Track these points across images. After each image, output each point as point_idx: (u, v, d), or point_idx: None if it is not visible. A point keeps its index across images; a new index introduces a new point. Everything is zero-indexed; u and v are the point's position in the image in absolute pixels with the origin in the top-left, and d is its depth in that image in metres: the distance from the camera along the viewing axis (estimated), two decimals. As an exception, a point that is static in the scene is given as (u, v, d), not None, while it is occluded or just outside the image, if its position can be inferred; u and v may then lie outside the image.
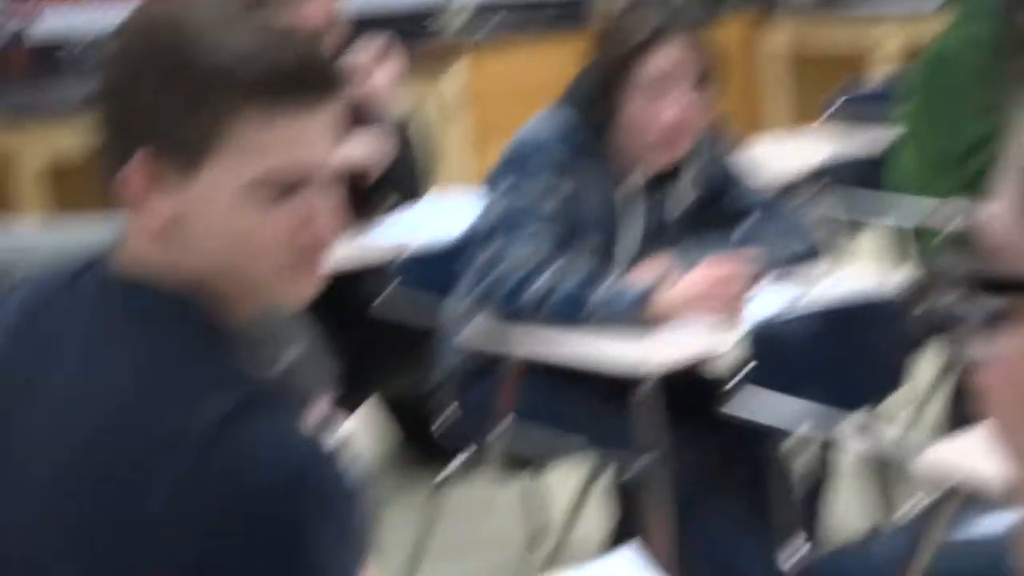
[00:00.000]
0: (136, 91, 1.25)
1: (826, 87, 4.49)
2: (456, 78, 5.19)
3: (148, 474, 1.17)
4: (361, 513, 1.26)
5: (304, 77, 1.24)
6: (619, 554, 1.47)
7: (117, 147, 1.26)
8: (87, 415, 1.22)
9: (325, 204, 1.27)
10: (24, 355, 1.32)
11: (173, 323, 1.25)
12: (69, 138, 4.10)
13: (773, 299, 2.40)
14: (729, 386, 2.24)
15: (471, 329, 2.49)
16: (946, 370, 3.39)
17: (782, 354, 2.26)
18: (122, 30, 1.30)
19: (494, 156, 2.58)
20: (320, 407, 2.22)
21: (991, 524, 2.24)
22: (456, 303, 2.64)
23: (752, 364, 2.22)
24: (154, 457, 1.17)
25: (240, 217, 1.23)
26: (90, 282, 1.29)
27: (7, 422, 1.30)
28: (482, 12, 6.01)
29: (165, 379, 1.22)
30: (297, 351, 2.28)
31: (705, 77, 2.45)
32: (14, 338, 1.33)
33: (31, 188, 4.09)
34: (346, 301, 2.97)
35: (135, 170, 1.24)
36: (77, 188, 4.20)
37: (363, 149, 3.16)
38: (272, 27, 1.28)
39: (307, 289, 1.30)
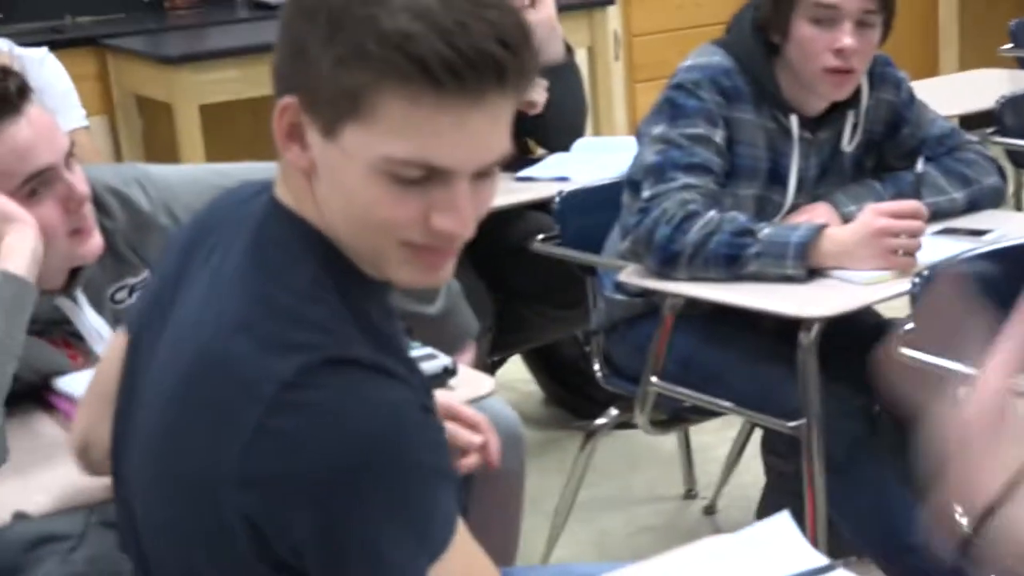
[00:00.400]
0: (300, 33, 1.20)
1: (1006, 19, 4.32)
2: (620, 14, 5.14)
3: (225, 420, 1.18)
4: (444, 496, 1.22)
5: (475, 66, 1.14)
6: (770, 522, 1.43)
7: (278, 84, 1.25)
8: (192, 343, 1.23)
9: (465, 199, 1.19)
10: (182, 266, 1.35)
11: (299, 259, 1.24)
12: (233, 80, 4.16)
13: (946, 246, 2.32)
14: (905, 330, 2.12)
15: (626, 275, 2.46)
16: None
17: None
18: None
19: (648, 100, 2.54)
20: (467, 356, 2.22)
21: None
22: (611, 249, 2.64)
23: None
24: (233, 403, 1.18)
25: (369, 190, 1.19)
26: (256, 205, 1.30)
27: (156, 332, 1.33)
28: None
29: (264, 321, 1.20)
30: (447, 295, 2.29)
31: (871, 12, 2.37)
32: (181, 250, 1.37)
33: (192, 135, 4.15)
34: (503, 241, 3.00)
35: (281, 114, 1.22)
36: (239, 129, 4.35)
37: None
38: (463, 4, 1.16)
39: (427, 276, 1.26)
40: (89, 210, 1.96)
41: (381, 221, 1.20)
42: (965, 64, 5.85)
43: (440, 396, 1.41)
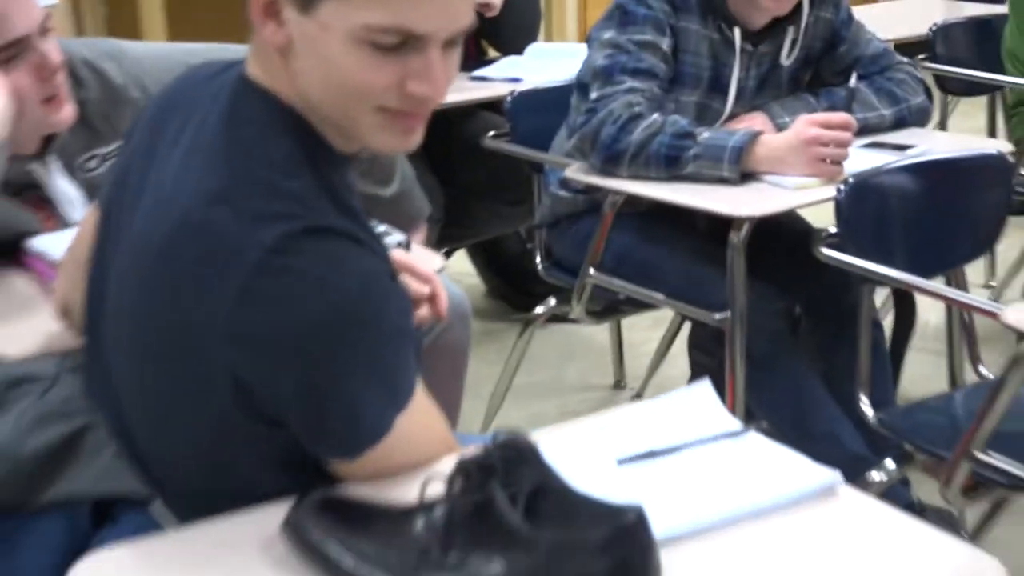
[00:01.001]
0: None
1: None
2: None
3: (209, 281, 1.21)
4: (407, 354, 1.27)
5: None
6: (691, 390, 1.47)
7: None
8: (175, 210, 1.25)
9: (435, 65, 1.22)
10: (151, 140, 1.37)
11: (274, 133, 1.26)
12: None
13: (871, 158, 2.35)
14: (827, 235, 2.20)
15: (571, 172, 2.49)
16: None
17: (877, 209, 2.22)
18: None
19: (598, 12, 2.56)
20: (419, 236, 2.28)
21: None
22: (558, 148, 2.66)
23: (848, 217, 2.18)
24: (217, 266, 1.20)
25: (348, 58, 1.22)
26: (225, 82, 1.32)
27: (126, 204, 1.36)
28: None
29: (243, 192, 1.23)
30: (401, 178, 2.34)
31: None
32: (150, 124, 1.39)
33: (155, 25, 4.15)
34: (455, 137, 3.06)
35: None
36: (203, 23, 4.32)
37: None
38: None
39: (403, 142, 1.29)
40: (62, 79, 1.95)
41: (359, 88, 1.22)
42: None
43: (395, 253, 1.47)
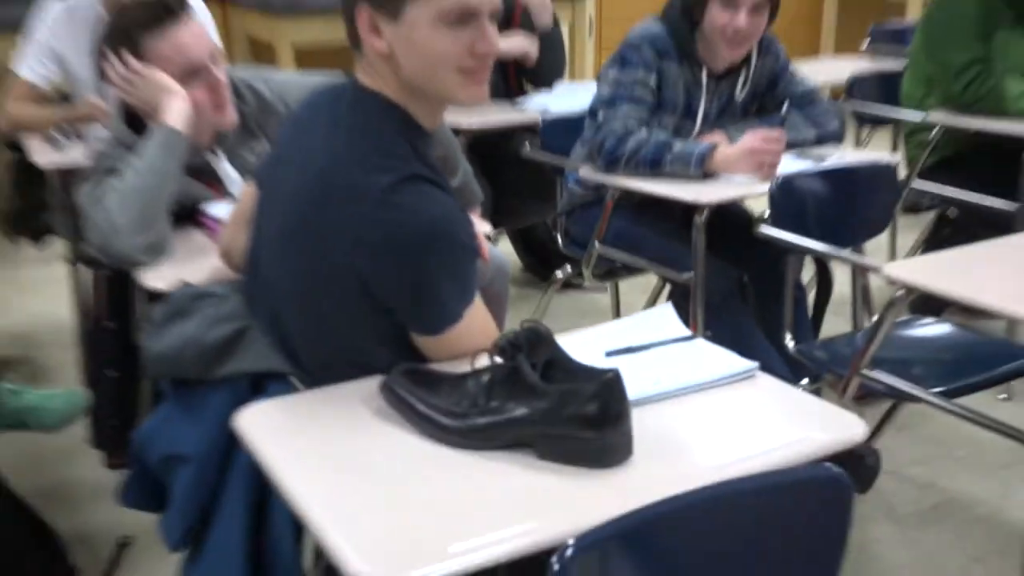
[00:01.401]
0: None
1: (868, 22, 4.38)
2: (593, 2, 5.13)
3: (345, 213, 1.29)
4: (473, 268, 1.33)
5: None
6: (655, 310, 1.53)
7: (348, 3, 1.34)
8: (315, 169, 1.33)
9: (488, 30, 1.32)
10: (293, 135, 1.44)
11: (383, 119, 1.34)
12: (318, 29, 4.16)
13: (797, 164, 2.38)
14: (763, 217, 2.23)
15: (583, 172, 2.53)
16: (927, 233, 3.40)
17: (799, 201, 2.25)
18: None
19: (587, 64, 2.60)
20: (476, 213, 2.35)
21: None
22: (575, 156, 2.69)
23: (778, 206, 2.22)
24: (350, 203, 1.28)
25: (432, 40, 1.30)
26: (344, 91, 1.39)
27: (279, 175, 1.43)
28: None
29: (367, 155, 1.31)
30: (463, 174, 2.42)
31: (762, 4, 2.39)
32: (292, 125, 1.47)
33: (287, 65, 4.15)
34: (502, 150, 3.08)
35: (360, 20, 1.33)
36: (321, 66, 4.38)
37: (521, 44, 3.22)
38: None
39: (479, 91, 1.35)
40: (228, 94, 1.99)
41: (444, 57, 1.30)
42: (839, 50, 5.81)
43: None
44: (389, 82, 1.36)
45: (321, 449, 1.19)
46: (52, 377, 2.98)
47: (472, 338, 1.34)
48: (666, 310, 1.53)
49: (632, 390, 1.18)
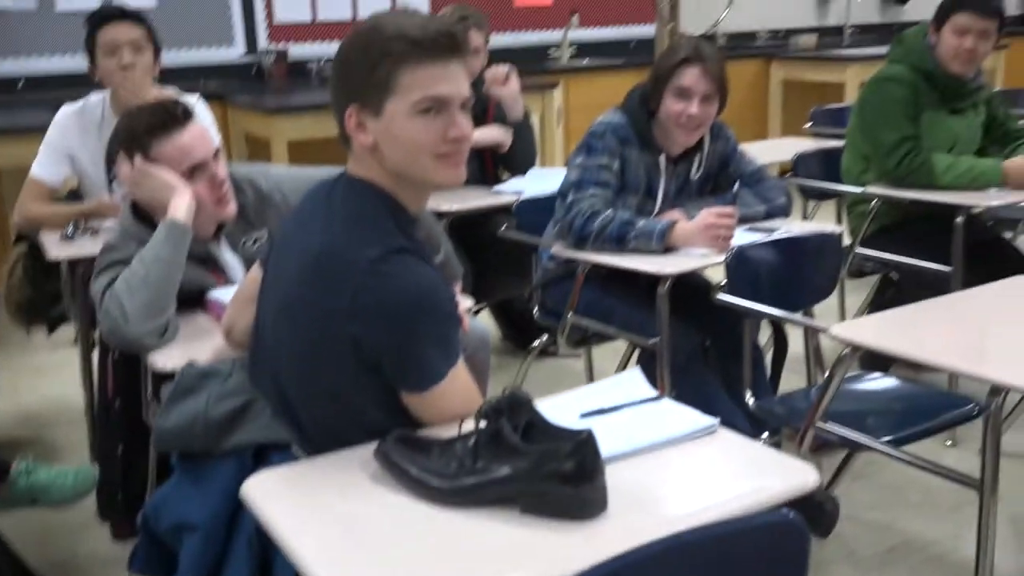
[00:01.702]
0: (345, 68, 1.39)
1: (809, 106, 4.50)
2: (560, 94, 5.22)
3: (338, 284, 1.33)
4: (455, 332, 1.37)
5: (443, 39, 1.34)
6: (624, 374, 1.57)
7: (338, 107, 1.41)
8: (314, 247, 1.38)
9: (458, 118, 1.37)
10: (295, 223, 1.49)
11: (372, 204, 1.40)
12: (308, 125, 4.21)
13: (749, 236, 2.42)
14: (720, 285, 2.27)
15: (556, 250, 2.56)
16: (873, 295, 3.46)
17: (753, 269, 2.30)
18: (341, 43, 1.42)
19: (557, 150, 2.66)
20: (458, 287, 2.39)
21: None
22: (547, 235, 2.72)
23: (734, 274, 2.26)
24: (342, 275, 1.33)
25: (409, 130, 1.36)
26: (337, 182, 1.45)
27: (280, 257, 1.48)
28: (581, 48, 6.08)
29: (357, 233, 1.36)
30: (445, 252, 2.45)
31: (711, 94, 2.47)
32: (294, 214, 1.53)
33: (281, 158, 4.18)
34: (481, 231, 3.11)
35: (348, 120, 1.40)
36: (311, 157, 4.44)
37: (496, 134, 3.30)
38: (426, 17, 1.38)
39: (455, 173, 1.40)
40: (228, 187, 2.03)
41: (421, 145, 1.36)
42: (785, 133, 5.91)
43: None
44: (376, 172, 1.42)
45: (323, 513, 1.22)
46: (61, 455, 2.97)
47: (455, 397, 1.37)
48: (634, 374, 1.57)
49: (605, 448, 1.21)
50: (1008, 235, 3.29)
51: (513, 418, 1.23)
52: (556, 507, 1.17)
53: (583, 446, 1.17)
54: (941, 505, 2.53)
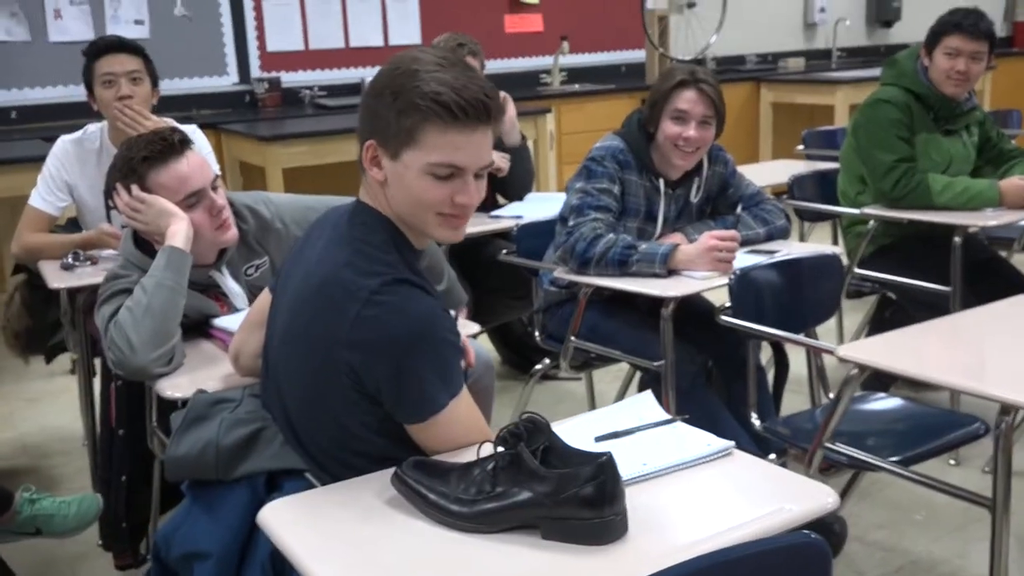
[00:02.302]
0: (375, 102, 1.38)
1: (799, 129, 4.53)
2: (552, 119, 5.26)
3: (338, 312, 1.33)
4: (456, 361, 1.36)
5: (474, 108, 1.33)
6: (636, 397, 1.56)
7: (361, 135, 1.41)
8: (318, 274, 1.39)
9: (471, 186, 1.38)
10: (303, 247, 1.51)
11: (376, 231, 1.41)
12: (302, 152, 4.21)
13: (751, 258, 2.43)
14: (724, 308, 2.27)
15: (557, 273, 2.56)
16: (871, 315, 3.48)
17: (756, 291, 2.30)
18: (381, 69, 1.40)
19: (572, 172, 2.62)
20: (463, 314, 2.39)
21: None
22: (548, 259, 2.73)
23: (738, 296, 2.26)
24: (342, 303, 1.33)
25: (419, 185, 1.36)
26: (343, 211, 1.46)
27: (287, 284, 1.49)
28: (572, 74, 6.13)
29: (359, 261, 1.36)
30: (448, 279, 2.46)
31: (709, 117, 2.48)
32: (304, 238, 1.54)
33: (276, 185, 4.19)
34: (480, 256, 3.11)
35: (366, 151, 1.40)
36: (306, 184, 4.42)
37: (495, 159, 3.30)
38: (464, 72, 1.35)
39: (454, 235, 1.42)
40: (228, 214, 2.03)
41: (426, 202, 1.37)
42: (776, 155, 5.93)
43: None
44: (384, 204, 1.43)
45: (342, 539, 1.21)
46: (60, 485, 2.94)
47: (458, 426, 1.36)
48: (646, 397, 1.56)
49: (622, 471, 1.20)
50: (1003, 254, 3.31)
51: (531, 442, 1.22)
52: (577, 531, 1.16)
53: (603, 469, 1.16)
54: (946, 524, 2.53)
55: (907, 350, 1.85)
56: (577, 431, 1.43)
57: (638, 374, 2.75)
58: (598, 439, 1.43)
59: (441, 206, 1.38)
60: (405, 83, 1.34)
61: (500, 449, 1.24)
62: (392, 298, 1.32)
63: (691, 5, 6.16)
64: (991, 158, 3.15)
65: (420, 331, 1.32)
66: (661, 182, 2.58)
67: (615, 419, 1.50)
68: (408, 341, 1.31)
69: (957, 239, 2.82)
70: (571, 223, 2.50)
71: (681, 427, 1.48)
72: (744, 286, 2.29)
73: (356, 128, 1.45)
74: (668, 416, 1.51)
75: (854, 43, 7.41)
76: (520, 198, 3.32)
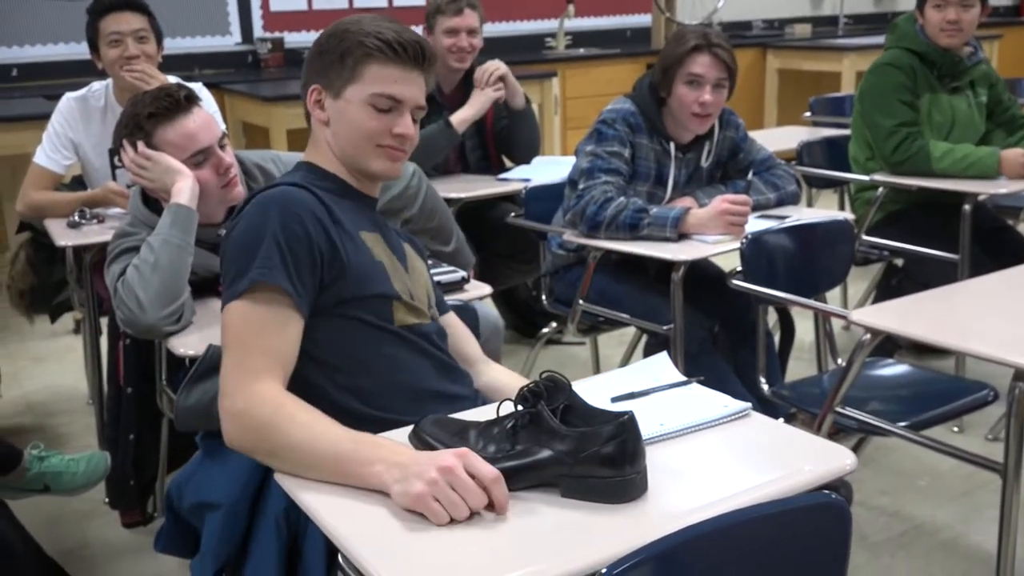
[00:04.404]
0: (318, 52, 1.49)
1: (805, 95, 4.50)
2: (557, 83, 5.21)
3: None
4: (273, 264, 1.34)
5: (412, 48, 1.46)
6: (651, 359, 1.56)
7: (304, 85, 1.51)
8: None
9: (407, 119, 1.48)
10: None
11: (326, 181, 1.50)
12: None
13: (762, 223, 2.43)
14: (735, 272, 2.28)
15: (567, 236, 2.56)
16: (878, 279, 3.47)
17: (767, 256, 2.30)
18: (322, 31, 1.53)
19: (575, 140, 2.64)
20: (472, 274, 2.38)
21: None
22: (556, 222, 2.73)
23: (749, 261, 2.26)
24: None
25: (361, 117, 1.46)
26: (295, 170, 1.55)
27: None
28: (577, 38, 6.08)
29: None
30: (457, 239, 2.44)
31: (723, 81, 2.47)
32: None
33: (281, 145, 4.17)
34: (487, 219, 3.11)
35: (310, 95, 1.50)
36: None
37: (485, 100, 3.15)
38: (405, 28, 1.49)
39: (392, 167, 1.50)
40: (235, 172, 2.02)
41: (368, 132, 1.47)
42: (782, 122, 5.95)
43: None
44: (328, 158, 1.51)
45: (360, 493, 1.19)
46: (66, 443, 2.94)
47: (226, 332, 1.34)
48: (662, 359, 1.56)
49: (641, 431, 1.19)
50: (1011, 222, 3.30)
51: (551, 401, 1.21)
52: (598, 490, 1.15)
53: (624, 428, 1.15)
54: (950, 490, 2.55)
55: (919, 315, 1.84)
56: (594, 392, 1.42)
57: (643, 339, 2.75)
58: (614, 399, 1.43)
59: (381, 137, 1.47)
60: (349, 28, 1.48)
61: (520, 408, 1.22)
62: (273, 190, 1.42)
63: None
64: (1003, 122, 3.13)
65: (266, 201, 1.38)
66: (672, 146, 2.57)
67: (631, 380, 1.50)
68: (252, 207, 1.39)
69: (967, 207, 2.81)
70: (581, 186, 2.50)
71: (697, 388, 1.48)
72: (755, 250, 2.29)
73: (303, 74, 1.53)
74: (684, 378, 1.50)
75: (861, 10, 7.35)
76: (527, 161, 3.30)
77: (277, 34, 5.15)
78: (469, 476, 1.11)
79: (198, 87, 2.78)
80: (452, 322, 1.63)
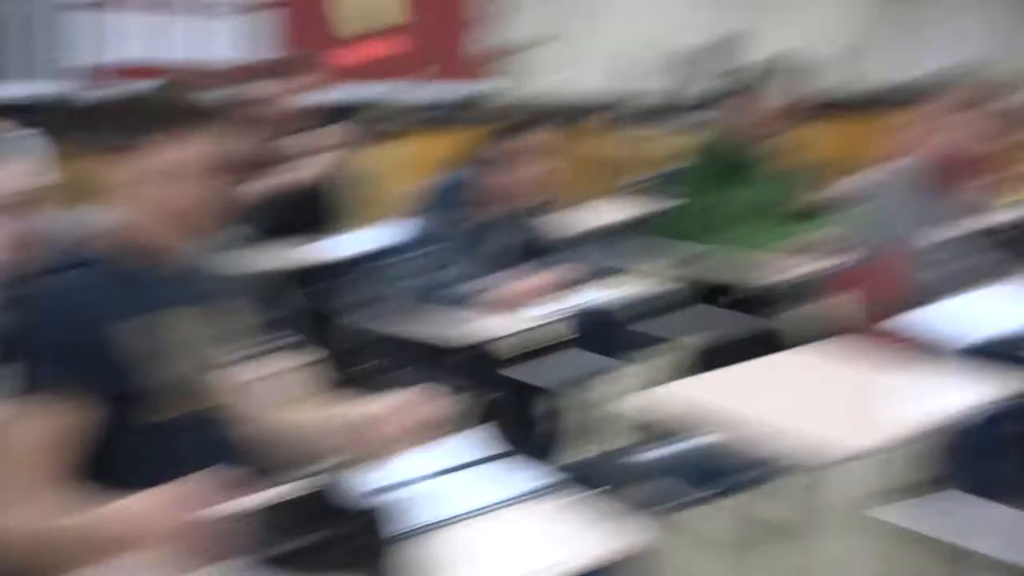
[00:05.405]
0: None
1: (617, 177, 4.58)
2: (383, 151, 5.23)
3: None
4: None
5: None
6: (476, 431, 1.53)
7: None
8: None
9: None
10: None
11: None
12: None
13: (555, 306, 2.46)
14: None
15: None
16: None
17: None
18: None
19: (390, 207, 2.61)
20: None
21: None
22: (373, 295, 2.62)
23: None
24: None
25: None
26: None
27: None
28: (399, 109, 6.08)
29: None
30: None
31: (549, 155, 2.53)
32: None
33: None
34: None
35: None
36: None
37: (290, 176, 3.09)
38: None
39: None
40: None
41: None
42: (598, 197, 5.80)
43: None
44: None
45: None
46: None
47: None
48: (483, 431, 1.54)
49: (449, 507, 1.23)
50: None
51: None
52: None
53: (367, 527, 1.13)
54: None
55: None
56: (410, 465, 1.40)
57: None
58: (425, 477, 1.40)
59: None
60: None
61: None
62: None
63: (537, 44, 6.19)
64: None
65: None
66: (494, 219, 2.59)
67: (450, 453, 1.47)
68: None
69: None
70: (407, 256, 2.49)
71: (510, 462, 1.47)
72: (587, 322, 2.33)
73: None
74: (502, 450, 1.49)
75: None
76: (335, 232, 3.22)
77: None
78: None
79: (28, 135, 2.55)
80: None
